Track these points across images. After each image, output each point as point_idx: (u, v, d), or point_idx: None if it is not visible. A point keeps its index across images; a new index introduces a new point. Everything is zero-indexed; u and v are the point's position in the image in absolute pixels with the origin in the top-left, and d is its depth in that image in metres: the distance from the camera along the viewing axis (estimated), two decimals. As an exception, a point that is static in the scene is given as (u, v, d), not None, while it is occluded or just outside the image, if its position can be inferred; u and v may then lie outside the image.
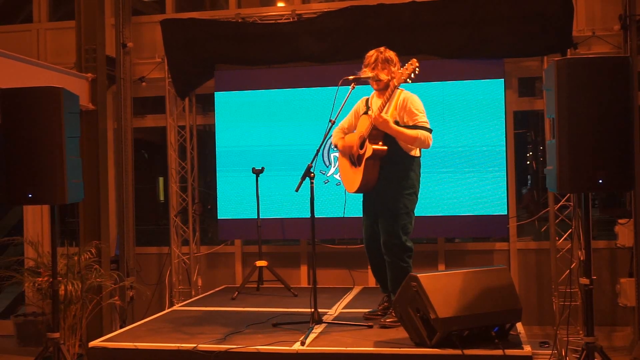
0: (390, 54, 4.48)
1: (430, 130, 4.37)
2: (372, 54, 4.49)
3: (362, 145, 4.47)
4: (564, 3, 5.88)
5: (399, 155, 4.42)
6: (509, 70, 6.38)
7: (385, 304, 4.68)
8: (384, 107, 4.27)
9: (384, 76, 4.42)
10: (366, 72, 4.48)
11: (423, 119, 4.37)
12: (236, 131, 6.66)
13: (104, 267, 5.98)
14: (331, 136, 4.71)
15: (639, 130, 5.11)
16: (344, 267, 6.56)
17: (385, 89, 4.42)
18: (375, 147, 4.34)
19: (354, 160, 4.57)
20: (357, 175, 4.49)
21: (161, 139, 7.51)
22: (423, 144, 4.36)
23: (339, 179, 6.33)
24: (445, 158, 6.16)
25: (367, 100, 4.66)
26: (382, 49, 4.50)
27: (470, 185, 6.15)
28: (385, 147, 4.36)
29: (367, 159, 4.38)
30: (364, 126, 4.49)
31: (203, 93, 7.01)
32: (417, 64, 4.15)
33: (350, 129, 4.73)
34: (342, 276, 6.55)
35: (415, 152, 4.48)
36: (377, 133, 4.36)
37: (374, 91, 4.60)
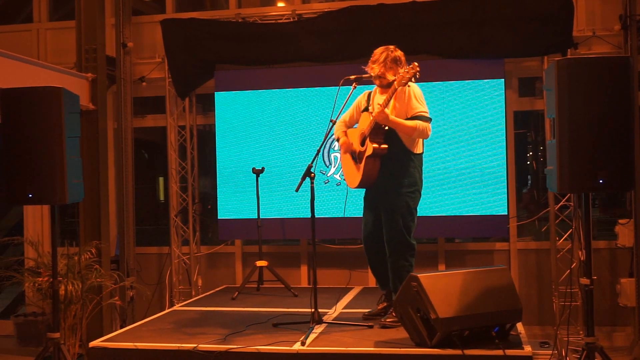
0: (399, 54, 4.45)
1: (429, 120, 4.37)
2: (381, 51, 4.44)
3: (363, 143, 4.48)
4: (564, 3, 5.88)
5: (402, 153, 4.43)
6: (509, 70, 6.38)
7: (384, 303, 4.68)
8: (386, 104, 4.24)
9: (391, 76, 4.39)
10: (374, 69, 4.43)
11: (421, 108, 4.36)
12: (236, 131, 6.65)
13: (104, 267, 5.98)
14: (333, 132, 4.71)
15: (639, 130, 5.11)
16: (344, 267, 6.57)
17: (388, 87, 4.41)
18: (375, 145, 4.35)
19: (355, 156, 4.59)
20: (358, 172, 4.52)
21: (161, 139, 7.50)
22: (422, 134, 4.35)
23: (340, 178, 6.34)
24: (446, 158, 6.16)
25: (368, 95, 4.65)
26: (391, 47, 4.46)
27: (471, 185, 6.15)
28: (386, 146, 4.36)
29: (367, 157, 4.40)
30: (365, 123, 4.50)
31: (203, 93, 7.01)
32: (418, 68, 4.10)
33: (351, 123, 4.74)
34: (342, 276, 6.55)
35: (418, 149, 4.48)
36: (378, 131, 4.36)
37: (376, 87, 4.60)
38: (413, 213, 4.47)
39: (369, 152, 4.37)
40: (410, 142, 4.43)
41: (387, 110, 4.25)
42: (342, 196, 6.27)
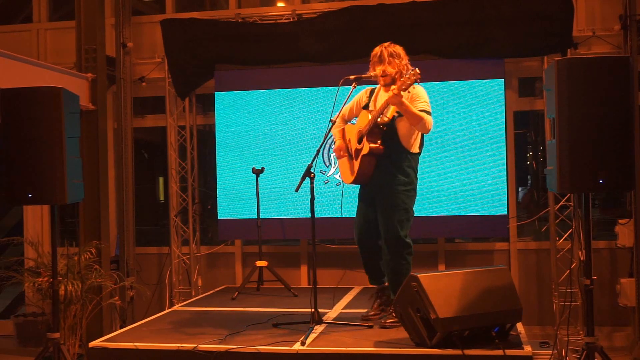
0: (396, 48, 4.46)
1: (429, 113, 4.35)
2: (377, 51, 4.47)
3: (359, 141, 4.50)
4: (564, 3, 5.88)
5: (399, 151, 4.43)
6: (509, 70, 6.38)
7: (378, 300, 4.71)
8: (399, 91, 4.15)
9: (391, 69, 4.40)
10: (376, 70, 4.43)
11: (424, 104, 4.36)
12: (236, 131, 6.66)
13: (104, 267, 5.97)
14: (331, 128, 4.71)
15: (639, 130, 5.11)
16: (343, 267, 6.56)
17: (391, 84, 4.38)
18: (372, 145, 4.38)
19: (351, 153, 4.61)
20: (353, 168, 4.57)
21: (161, 139, 7.51)
22: (425, 127, 4.32)
23: (339, 178, 6.33)
24: (446, 158, 6.16)
25: (370, 92, 4.65)
26: (386, 44, 4.47)
27: (471, 185, 6.15)
28: (382, 147, 4.39)
29: (363, 155, 4.43)
30: (363, 122, 4.52)
31: (203, 93, 7.01)
32: (420, 75, 4.11)
33: (350, 117, 4.77)
34: (342, 276, 6.54)
35: (414, 149, 4.49)
36: (376, 130, 4.39)
37: (379, 86, 4.60)
38: (409, 212, 4.47)
39: (365, 150, 4.40)
40: (407, 141, 4.44)
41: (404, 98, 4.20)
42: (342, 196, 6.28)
